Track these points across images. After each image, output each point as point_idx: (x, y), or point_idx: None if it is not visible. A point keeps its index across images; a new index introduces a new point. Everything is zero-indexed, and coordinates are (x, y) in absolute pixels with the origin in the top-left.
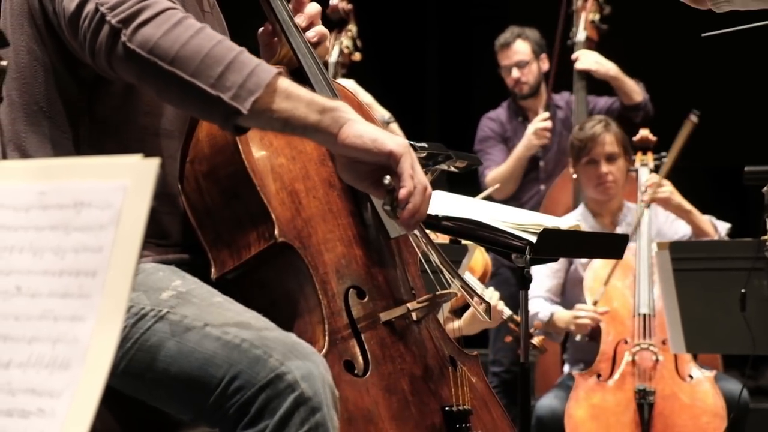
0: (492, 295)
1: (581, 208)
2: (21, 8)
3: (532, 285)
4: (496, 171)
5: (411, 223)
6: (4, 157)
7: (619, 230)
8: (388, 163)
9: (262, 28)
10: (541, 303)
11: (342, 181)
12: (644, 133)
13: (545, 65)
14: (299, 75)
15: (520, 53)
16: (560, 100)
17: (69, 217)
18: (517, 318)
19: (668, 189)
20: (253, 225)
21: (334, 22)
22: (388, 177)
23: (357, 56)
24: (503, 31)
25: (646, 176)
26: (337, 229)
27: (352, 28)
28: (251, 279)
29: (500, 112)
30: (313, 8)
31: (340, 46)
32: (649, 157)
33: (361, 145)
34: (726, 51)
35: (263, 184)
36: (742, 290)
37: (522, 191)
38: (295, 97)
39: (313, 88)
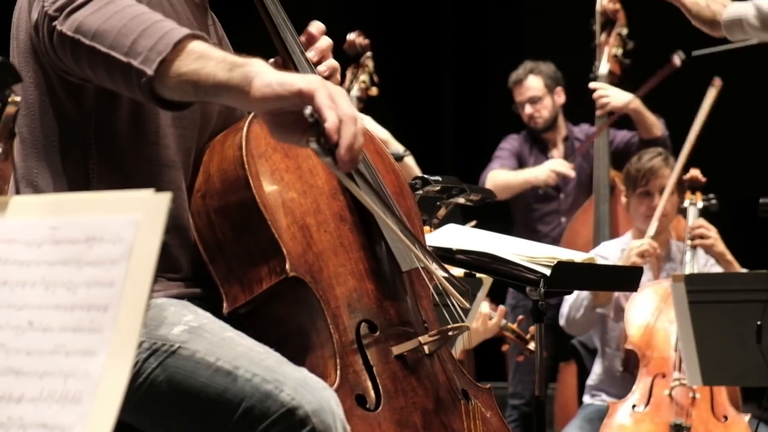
0: (483, 306)
1: (628, 236)
2: (26, 45)
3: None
4: (499, 174)
5: (349, 158)
6: (18, 193)
7: (664, 265)
8: (304, 104)
9: (272, 60)
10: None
11: (353, 215)
12: (694, 172)
13: (561, 98)
14: None
15: (532, 89)
16: (579, 133)
17: (81, 252)
18: (512, 326)
19: (713, 236)
20: (265, 260)
21: (350, 57)
22: (309, 107)
23: (374, 91)
24: (518, 64)
25: (693, 216)
26: (349, 263)
27: (370, 63)
28: (263, 313)
29: (520, 138)
30: (325, 42)
31: (357, 81)
32: (698, 197)
33: (271, 93)
34: (743, 83)
35: (274, 219)
36: (758, 322)
37: (542, 224)
38: (206, 57)
39: None
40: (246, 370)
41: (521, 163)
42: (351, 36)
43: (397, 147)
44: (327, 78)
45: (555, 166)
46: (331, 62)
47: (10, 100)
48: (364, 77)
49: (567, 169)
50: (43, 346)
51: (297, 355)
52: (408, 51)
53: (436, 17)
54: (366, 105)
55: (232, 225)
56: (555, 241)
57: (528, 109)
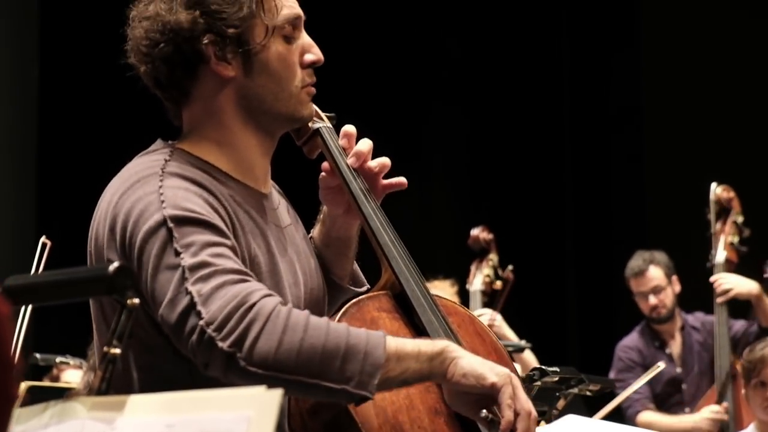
0: None
1: (751, 428)
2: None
3: None
4: (651, 419)
5: None
6: None
7: None
8: (491, 393)
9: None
10: None
11: (448, 406)
12: None
13: (677, 287)
14: (402, 299)
15: (655, 279)
16: (695, 321)
17: None
18: None
19: None
20: None
21: (475, 251)
22: (484, 411)
23: (498, 285)
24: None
25: None
26: None
27: (494, 257)
28: None
29: (635, 338)
30: (365, 145)
31: (481, 275)
32: None
33: (467, 384)
34: None
35: (365, 421)
36: None
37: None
38: (404, 356)
39: (416, 312)
40: None
41: (645, 369)
42: (475, 231)
43: (516, 341)
44: (378, 173)
45: (713, 413)
46: (382, 160)
47: (129, 302)
48: (488, 271)
49: (723, 414)
50: None
51: None
52: (531, 240)
53: (559, 207)
54: (490, 299)
55: (324, 428)
56: None
57: (652, 300)
